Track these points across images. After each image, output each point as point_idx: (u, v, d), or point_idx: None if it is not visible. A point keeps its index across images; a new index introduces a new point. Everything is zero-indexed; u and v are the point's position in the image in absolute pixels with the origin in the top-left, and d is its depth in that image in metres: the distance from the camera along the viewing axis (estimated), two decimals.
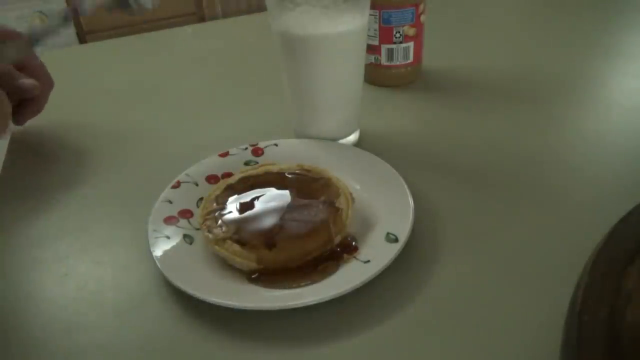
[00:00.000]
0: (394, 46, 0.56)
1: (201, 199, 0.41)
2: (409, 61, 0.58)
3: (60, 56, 0.75)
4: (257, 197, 0.39)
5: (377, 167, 0.43)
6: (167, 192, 0.41)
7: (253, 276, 0.35)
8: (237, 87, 0.63)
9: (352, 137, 0.49)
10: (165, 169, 0.47)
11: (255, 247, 0.35)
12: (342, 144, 0.48)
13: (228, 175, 0.44)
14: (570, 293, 0.27)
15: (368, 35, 0.51)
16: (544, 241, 0.38)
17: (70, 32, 1.58)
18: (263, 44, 0.72)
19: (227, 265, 0.36)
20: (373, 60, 0.58)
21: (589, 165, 0.46)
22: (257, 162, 0.45)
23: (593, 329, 0.23)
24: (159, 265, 0.35)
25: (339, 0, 0.41)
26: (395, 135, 0.51)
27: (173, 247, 0.37)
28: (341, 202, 0.38)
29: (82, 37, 1.62)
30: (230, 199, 0.40)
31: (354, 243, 0.37)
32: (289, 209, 0.38)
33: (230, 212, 0.38)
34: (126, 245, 0.40)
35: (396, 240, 0.36)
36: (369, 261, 0.35)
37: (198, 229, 0.39)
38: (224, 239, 0.36)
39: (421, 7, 0.55)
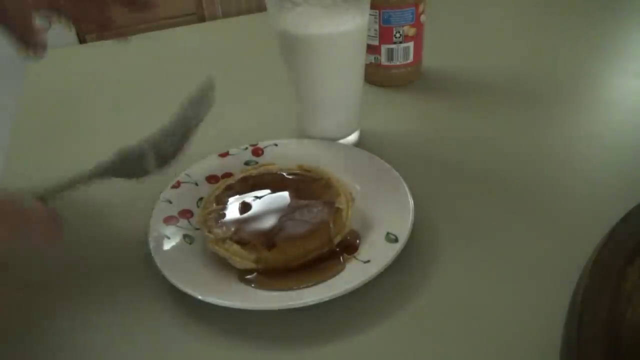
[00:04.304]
0: (394, 46, 0.56)
1: (201, 199, 0.41)
2: (409, 61, 0.58)
3: (60, 56, 0.75)
4: (257, 197, 0.39)
5: (377, 167, 0.43)
6: (167, 192, 0.41)
7: (247, 276, 0.35)
8: (237, 87, 0.63)
9: (352, 137, 0.49)
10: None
11: (255, 247, 0.35)
12: (342, 144, 0.48)
13: (228, 175, 0.44)
14: (570, 293, 0.27)
15: (368, 35, 0.51)
16: (544, 241, 0.38)
17: (70, 32, 1.58)
18: (263, 44, 0.71)
19: (227, 265, 0.36)
20: (373, 60, 0.58)
21: (588, 165, 0.46)
22: (257, 162, 0.45)
23: (593, 329, 0.23)
24: (159, 265, 0.35)
25: (339, 0, 0.41)
26: (395, 135, 0.51)
27: (173, 247, 0.37)
28: (341, 202, 0.38)
29: (82, 37, 1.62)
30: (230, 199, 0.40)
31: (357, 241, 0.37)
32: (288, 209, 0.38)
33: (231, 212, 0.38)
34: (126, 245, 0.40)
35: (396, 240, 0.36)
36: (369, 261, 0.35)
37: (198, 229, 0.39)
38: (224, 239, 0.36)
39: (421, 7, 0.55)
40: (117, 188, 0.46)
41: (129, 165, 0.37)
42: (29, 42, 0.37)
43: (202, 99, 0.41)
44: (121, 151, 0.37)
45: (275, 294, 0.33)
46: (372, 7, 0.53)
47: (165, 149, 0.39)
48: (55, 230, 0.27)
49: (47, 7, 0.40)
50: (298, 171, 0.42)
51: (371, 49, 0.57)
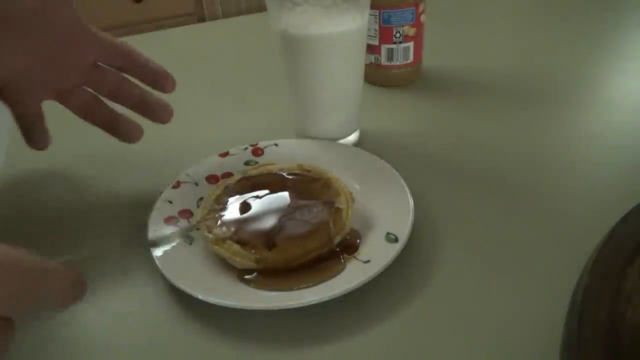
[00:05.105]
0: (394, 46, 0.56)
1: (201, 199, 0.41)
2: (409, 61, 0.58)
3: None
4: (257, 197, 0.39)
5: (377, 167, 0.43)
6: (167, 192, 0.41)
7: (247, 276, 0.35)
8: (237, 87, 0.63)
9: (352, 137, 0.49)
10: (165, 169, 0.47)
11: (255, 247, 0.35)
12: (342, 144, 0.48)
13: (228, 175, 0.44)
14: (570, 293, 0.27)
15: (368, 35, 0.51)
16: (544, 241, 0.38)
17: None
18: (263, 44, 0.72)
19: (227, 265, 0.36)
20: (373, 60, 0.58)
21: (589, 165, 0.46)
22: (257, 162, 0.45)
23: (593, 329, 0.23)
24: (159, 265, 0.35)
25: (339, 0, 0.41)
26: (395, 135, 0.51)
27: (173, 247, 0.37)
28: (341, 202, 0.38)
29: None
30: (230, 199, 0.40)
31: (358, 241, 0.37)
32: (288, 209, 0.38)
33: (231, 212, 0.38)
34: (126, 245, 0.40)
35: (396, 240, 0.36)
36: (368, 261, 0.35)
37: (198, 229, 0.39)
38: (224, 239, 0.36)
39: (421, 7, 0.55)
40: (117, 188, 0.46)
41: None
42: (30, 137, 0.42)
43: None
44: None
45: (275, 294, 0.33)
46: (372, 7, 0.53)
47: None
48: (75, 292, 0.25)
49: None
50: (298, 171, 0.42)
51: (371, 49, 0.57)
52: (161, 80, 0.43)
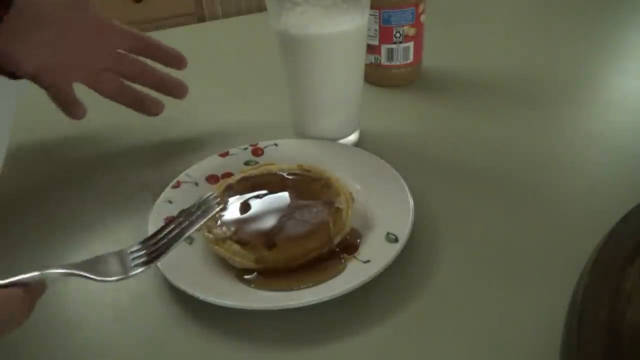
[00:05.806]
0: (394, 46, 0.56)
1: None
2: (409, 61, 0.58)
3: None
4: (257, 197, 0.39)
5: (377, 167, 0.43)
6: (167, 192, 0.41)
7: (246, 276, 0.35)
8: (237, 86, 0.63)
9: (352, 137, 0.49)
10: (165, 168, 0.47)
11: (255, 247, 0.35)
12: (342, 144, 0.48)
13: (228, 175, 0.44)
14: (570, 293, 0.27)
15: (368, 35, 0.51)
16: (544, 241, 0.38)
17: None
18: (263, 44, 0.71)
19: (227, 265, 0.36)
20: (373, 60, 0.58)
21: (589, 165, 0.46)
22: (257, 162, 0.45)
23: (593, 329, 0.24)
24: (158, 266, 0.35)
25: (338, 0, 0.41)
26: (395, 135, 0.51)
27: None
28: (341, 202, 0.38)
29: None
30: (231, 199, 0.40)
31: (358, 240, 0.37)
32: (288, 209, 0.38)
33: (231, 212, 0.38)
34: (126, 245, 0.40)
35: (396, 240, 0.36)
36: (368, 261, 0.35)
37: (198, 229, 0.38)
38: (224, 239, 0.36)
39: (421, 7, 0.55)
40: (117, 188, 0.46)
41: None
42: (68, 110, 0.47)
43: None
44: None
45: (275, 294, 0.33)
46: (372, 7, 0.53)
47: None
48: (28, 304, 0.28)
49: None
50: (298, 171, 0.42)
51: (371, 49, 0.57)
52: (176, 59, 0.51)
